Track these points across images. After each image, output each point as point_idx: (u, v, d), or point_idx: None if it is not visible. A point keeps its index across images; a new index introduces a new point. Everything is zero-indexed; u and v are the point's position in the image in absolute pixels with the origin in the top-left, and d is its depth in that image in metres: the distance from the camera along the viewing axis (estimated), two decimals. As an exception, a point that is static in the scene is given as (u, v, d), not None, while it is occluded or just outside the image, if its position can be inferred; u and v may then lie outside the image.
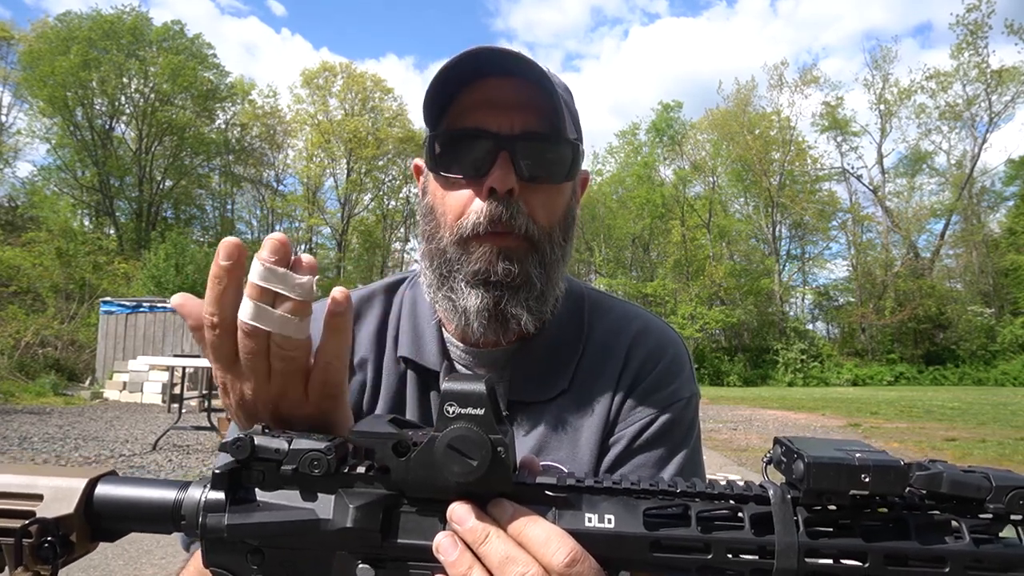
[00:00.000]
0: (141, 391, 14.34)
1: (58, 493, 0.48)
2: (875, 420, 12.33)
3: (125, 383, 14.54)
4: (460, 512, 0.46)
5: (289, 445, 0.47)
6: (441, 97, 0.79)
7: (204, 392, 9.24)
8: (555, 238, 0.83)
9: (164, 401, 12.69)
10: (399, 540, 0.47)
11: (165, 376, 13.26)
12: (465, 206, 0.80)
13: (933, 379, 33.84)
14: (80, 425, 9.70)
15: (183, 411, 8.31)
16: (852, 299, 39.56)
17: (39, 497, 0.48)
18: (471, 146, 0.79)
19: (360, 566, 0.47)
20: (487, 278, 0.80)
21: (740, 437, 9.84)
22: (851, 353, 37.34)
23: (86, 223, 33.24)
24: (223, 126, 39.60)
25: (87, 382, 15.83)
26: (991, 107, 36.28)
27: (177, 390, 9.09)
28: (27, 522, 0.47)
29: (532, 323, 0.83)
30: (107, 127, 34.46)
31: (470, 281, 0.80)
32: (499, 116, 0.79)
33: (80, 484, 0.49)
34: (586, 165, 0.94)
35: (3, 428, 8.91)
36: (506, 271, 0.79)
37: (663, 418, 0.88)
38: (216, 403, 8.82)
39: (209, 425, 7.96)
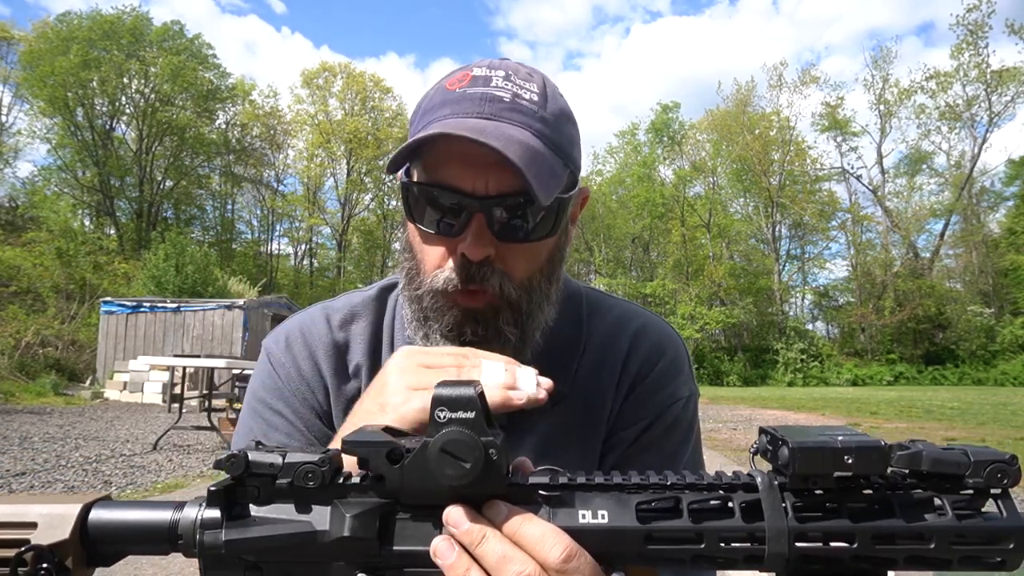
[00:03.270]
0: (141, 391, 14.36)
1: (52, 520, 0.48)
2: (875, 420, 12.33)
3: (125, 383, 14.56)
4: (455, 515, 0.46)
5: (283, 459, 0.48)
6: (413, 145, 0.74)
7: (204, 392, 9.25)
8: (534, 286, 0.81)
9: (164, 401, 12.70)
10: (396, 547, 0.47)
11: (165, 376, 13.28)
12: (440, 261, 0.78)
13: (933, 379, 33.86)
14: (80, 425, 9.71)
15: (183, 411, 8.31)
16: (852, 299, 39.58)
17: (32, 525, 0.48)
18: (444, 203, 0.76)
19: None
20: (459, 335, 0.79)
21: (740, 437, 9.85)
22: (851, 353, 37.36)
23: (86, 223, 33.25)
24: (223, 126, 39.63)
25: (87, 382, 15.84)
26: (991, 107, 36.33)
27: (177, 390, 9.09)
28: (21, 550, 0.46)
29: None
30: (107, 127, 34.45)
31: (444, 334, 0.80)
32: (474, 174, 0.74)
33: (74, 510, 0.49)
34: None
35: (3, 428, 8.92)
36: (474, 332, 0.78)
37: (663, 418, 0.88)
38: (216, 403, 8.83)
39: (209, 425, 7.96)
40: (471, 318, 0.78)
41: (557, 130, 0.78)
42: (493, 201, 0.74)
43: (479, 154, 0.72)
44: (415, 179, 0.79)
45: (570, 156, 0.80)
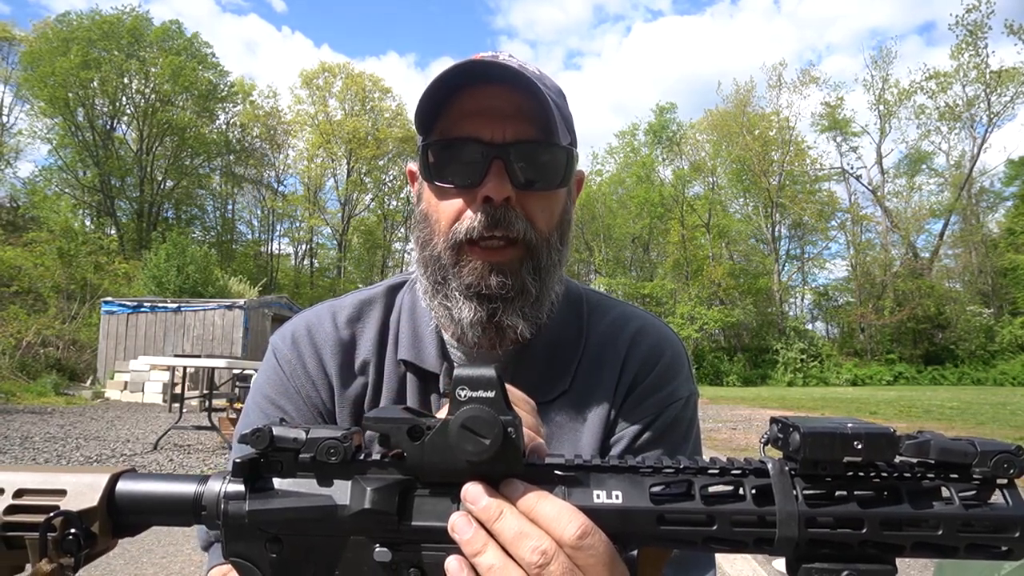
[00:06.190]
0: (142, 391, 14.37)
1: (81, 488, 0.50)
2: (874, 420, 12.31)
3: (126, 383, 14.56)
4: (473, 492, 0.48)
5: (307, 435, 0.49)
6: (433, 105, 0.79)
7: (205, 392, 9.26)
8: (552, 243, 0.84)
9: (165, 401, 12.71)
10: (414, 523, 0.49)
11: (166, 376, 13.29)
12: (459, 213, 0.81)
13: (932, 379, 33.85)
14: (81, 425, 9.71)
15: (184, 411, 8.32)
16: (851, 299, 39.55)
17: (62, 492, 0.50)
18: (464, 155, 0.80)
19: (377, 549, 0.49)
20: (480, 291, 0.80)
21: (740, 437, 9.85)
22: (850, 353, 37.35)
23: (87, 223, 33.23)
24: (224, 126, 39.64)
25: (88, 382, 15.84)
26: (990, 107, 36.31)
27: (178, 390, 9.10)
28: (51, 514, 0.48)
29: (528, 330, 0.84)
30: (108, 127, 34.47)
31: (464, 292, 0.81)
32: (492, 124, 0.79)
33: (103, 479, 0.51)
34: (586, 165, 0.95)
35: (4, 428, 8.92)
36: (500, 284, 0.80)
37: (663, 418, 0.89)
38: (216, 403, 8.83)
39: (210, 425, 7.96)
40: (496, 270, 0.80)
41: (561, 96, 0.87)
42: (511, 147, 0.79)
43: (495, 106, 0.79)
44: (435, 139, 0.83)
45: (571, 124, 0.87)
